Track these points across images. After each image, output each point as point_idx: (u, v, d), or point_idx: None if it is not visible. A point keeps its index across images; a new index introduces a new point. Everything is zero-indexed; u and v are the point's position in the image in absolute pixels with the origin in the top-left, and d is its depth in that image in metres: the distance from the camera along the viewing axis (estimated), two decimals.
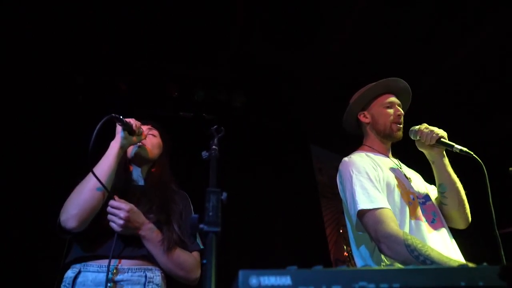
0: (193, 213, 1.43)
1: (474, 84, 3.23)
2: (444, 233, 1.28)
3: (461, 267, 0.50)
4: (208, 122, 3.20)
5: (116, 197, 1.19)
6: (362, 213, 1.19)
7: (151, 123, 1.53)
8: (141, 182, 1.42)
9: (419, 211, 1.28)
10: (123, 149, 1.26)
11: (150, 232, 1.21)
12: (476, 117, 3.54)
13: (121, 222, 1.15)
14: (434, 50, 2.97)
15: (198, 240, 1.37)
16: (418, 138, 1.35)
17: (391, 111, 1.45)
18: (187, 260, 1.28)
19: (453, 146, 1.24)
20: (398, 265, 1.07)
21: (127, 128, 1.24)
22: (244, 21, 2.77)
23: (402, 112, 1.47)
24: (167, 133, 1.58)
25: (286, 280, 0.47)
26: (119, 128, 1.25)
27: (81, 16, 2.61)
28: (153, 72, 3.12)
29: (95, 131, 1.04)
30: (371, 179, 1.26)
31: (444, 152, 1.34)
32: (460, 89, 3.29)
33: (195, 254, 1.34)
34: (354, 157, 1.39)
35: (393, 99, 1.48)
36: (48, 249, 1.89)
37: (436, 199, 1.41)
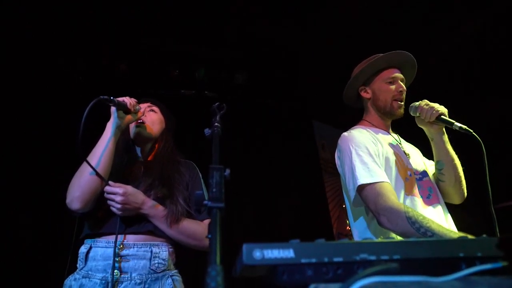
0: (202, 180, 1.45)
1: (479, 60, 3.14)
2: (439, 208, 1.30)
3: (459, 239, 0.51)
4: (210, 100, 3.18)
5: (110, 182, 1.20)
6: (362, 188, 1.20)
7: (151, 100, 1.52)
8: (146, 159, 1.43)
9: (415, 187, 1.29)
10: (119, 128, 1.27)
11: (152, 209, 1.23)
12: (481, 93, 3.48)
13: (118, 206, 1.18)
14: (441, 24, 2.86)
15: None
16: (418, 114, 1.33)
17: (393, 87, 1.41)
18: (197, 229, 1.30)
19: (453, 123, 1.24)
20: (397, 237, 1.10)
21: (121, 108, 1.24)
22: None
23: (404, 88, 1.42)
24: (169, 108, 1.57)
25: (289, 253, 0.48)
26: (113, 108, 1.25)
27: None
28: (153, 52, 3.06)
29: (84, 115, 1.05)
30: (371, 153, 1.26)
31: (444, 130, 1.33)
32: (465, 65, 3.20)
33: (207, 221, 1.34)
34: (354, 132, 1.37)
35: (396, 74, 1.43)
36: (63, 225, 1.96)
37: (433, 175, 1.42)
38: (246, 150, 3.09)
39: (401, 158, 1.34)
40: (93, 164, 1.17)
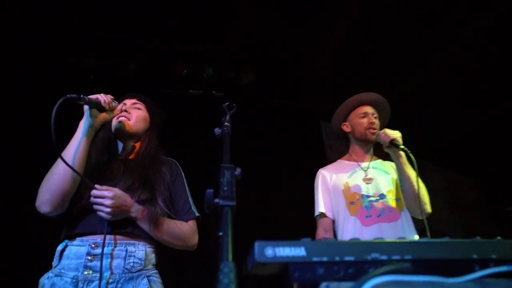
0: (184, 179, 1.41)
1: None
2: (386, 226, 1.53)
3: (473, 240, 0.51)
4: (217, 99, 3.19)
5: (97, 186, 1.15)
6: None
7: (138, 96, 1.47)
8: (127, 157, 1.37)
9: (359, 210, 1.59)
10: (92, 127, 1.22)
11: (139, 212, 1.19)
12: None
13: (108, 210, 1.13)
14: (447, 25, 2.82)
15: (193, 208, 1.35)
16: (377, 139, 1.62)
17: (365, 120, 1.74)
18: (181, 229, 1.27)
19: (399, 145, 1.50)
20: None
21: (94, 106, 1.19)
22: None
23: (374, 120, 1.73)
24: (157, 105, 1.52)
25: (301, 251, 0.49)
26: (85, 107, 1.20)
27: None
28: (161, 52, 3.09)
29: (52, 116, 1.00)
30: (320, 190, 1.73)
31: (401, 152, 1.54)
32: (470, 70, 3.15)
33: (191, 222, 1.33)
34: (320, 171, 1.80)
35: (366, 109, 1.77)
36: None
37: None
38: (253, 150, 3.09)
39: (352, 185, 1.66)
40: (63, 165, 1.11)
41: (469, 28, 2.80)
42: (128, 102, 1.42)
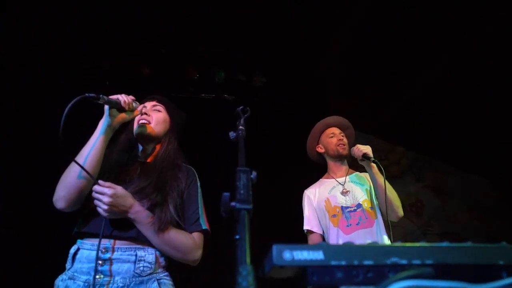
0: (199, 189, 1.37)
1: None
2: (363, 232, 1.70)
3: (500, 245, 0.49)
4: (229, 103, 3.22)
5: (100, 181, 1.15)
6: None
7: (158, 98, 1.47)
8: (146, 159, 1.37)
9: (340, 220, 1.77)
10: (111, 127, 1.22)
11: (138, 214, 1.16)
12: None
13: (105, 207, 1.12)
14: (454, 27, 2.76)
15: (202, 220, 1.29)
16: (352, 154, 1.84)
17: (334, 139, 1.97)
18: (184, 241, 1.21)
19: (370, 157, 1.75)
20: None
21: (113, 105, 1.20)
22: None
23: (342, 138, 1.97)
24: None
25: (319, 254, 0.49)
26: (105, 106, 1.20)
27: (103, 1, 2.64)
28: (174, 55, 3.14)
29: (65, 113, 1.00)
30: (307, 209, 1.93)
31: (373, 163, 1.77)
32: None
33: (196, 235, 1.26)
34: (305, 192, 2.00)
35: (333, 130, 2.01)
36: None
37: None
38: (265, 151, 3.09)
39: (333, 200, 1.84)
40: (72, 168, 1.13)
41: (482, 27, 2.73)
42: (148, 104, 1.42)
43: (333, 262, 0.48)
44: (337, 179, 1.95)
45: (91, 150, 1.18)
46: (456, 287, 0.38)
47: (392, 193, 1.75)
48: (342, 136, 2.00)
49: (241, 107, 0.89)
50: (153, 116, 1.39)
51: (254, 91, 3.30)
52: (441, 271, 0.48)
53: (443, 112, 3.52)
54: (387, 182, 1.72)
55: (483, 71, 3.07)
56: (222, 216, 0.62)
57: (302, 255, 0.48)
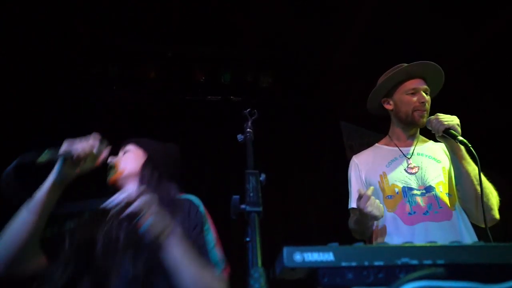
0: (204, 220, 1.14)
1: None
2: (435, 226, 1.24)
3: (511, 245, 0.49)
4: (236, 104, 3.23)
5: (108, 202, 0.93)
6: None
7: (127, 141, 1.27)
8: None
9: (399, 205, 1.31)
10: (61, 182, 0.97)
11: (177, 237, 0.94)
12: None
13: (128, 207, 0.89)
14: (467, 20, 2.71)
15: (214, 256, 1.06)
16: (428, 127, 1.32)
17: (414, 98, 1.40)
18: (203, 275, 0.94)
19: (456, 136, 1.20)
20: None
21: (68, 157, 0.96)
22: None
23: (426, 99, 1.39)
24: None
25: (329, 256, 0.49)
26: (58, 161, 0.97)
27: (107, 5, 2.68)
28: (180, 59, 3.17)
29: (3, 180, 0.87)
30: (353, 181, 1.50)
31: (460, 144, 1.21)
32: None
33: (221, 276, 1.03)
34: (353, 159, 1.56)
35: (417, 85, 1.41)
36: None
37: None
38: (273, 152, 3.10)
39: (390, 176, 1.38)
40: (13, 225, 0.93)
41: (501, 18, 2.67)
42: (120, 154, 1.25)
43: (344, 263, 0.49)
44: (401, 149, 1.44)
45: (34, 210, 0.93)
46: None
47: (486, 188, 1.26)
48: (426, 94, 1.40)
49: (248, 110, 0.90)
50: (119, 161, 1.20)
51: (261, 92, 3.31)
52: (452, 271, 0.47)
53: (461, 106, 3.47)
54: (482, 175, 1.19)
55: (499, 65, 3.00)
56: (232, 218, 0.62)
57: (312, 256, 0.49)
